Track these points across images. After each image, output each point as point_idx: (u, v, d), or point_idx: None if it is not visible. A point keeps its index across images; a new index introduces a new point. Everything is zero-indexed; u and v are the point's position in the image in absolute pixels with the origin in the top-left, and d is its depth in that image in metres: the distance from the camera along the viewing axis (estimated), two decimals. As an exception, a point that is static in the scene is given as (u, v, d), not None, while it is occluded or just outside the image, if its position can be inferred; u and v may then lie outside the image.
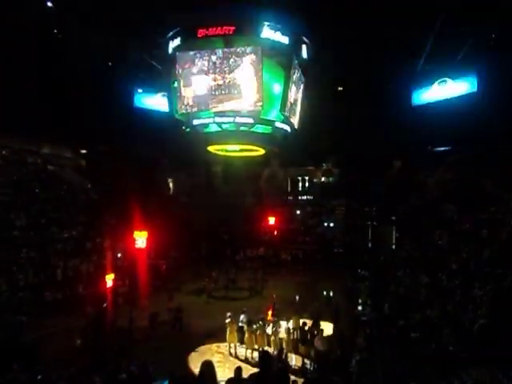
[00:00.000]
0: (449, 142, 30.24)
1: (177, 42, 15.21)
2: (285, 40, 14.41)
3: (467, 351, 9.92)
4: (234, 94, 14.39)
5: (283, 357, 11.79)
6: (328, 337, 13.91)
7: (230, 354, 14.09)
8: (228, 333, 14.21)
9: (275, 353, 12.48)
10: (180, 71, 15.23)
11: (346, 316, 16.65)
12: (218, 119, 14.98)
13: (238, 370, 6.25)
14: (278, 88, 14.67)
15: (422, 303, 13.96)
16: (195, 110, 15.17)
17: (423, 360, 10.40)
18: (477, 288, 12.67)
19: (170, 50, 15.55)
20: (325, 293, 21.07)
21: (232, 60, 14.30)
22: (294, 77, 15.03)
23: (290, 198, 40.84)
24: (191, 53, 14.75)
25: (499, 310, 10.94)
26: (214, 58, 14.46)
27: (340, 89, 35.71)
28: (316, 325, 14.39)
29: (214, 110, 14.81)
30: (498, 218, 20.83)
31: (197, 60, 14.71)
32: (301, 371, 12.46)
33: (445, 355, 10.35)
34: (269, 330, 14.13)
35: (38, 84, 27.04)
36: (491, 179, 25.72)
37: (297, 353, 13.68)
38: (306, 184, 42.48)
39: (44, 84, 27.62)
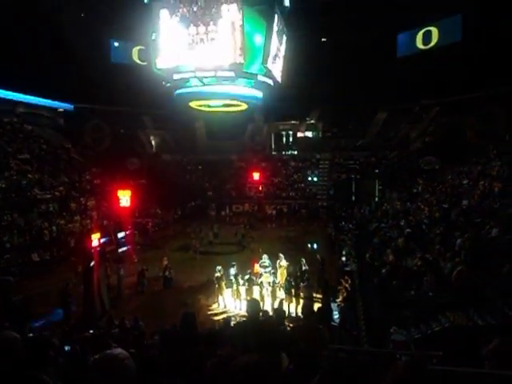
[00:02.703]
0: (433, 93, 30.10)
1: (154, -11, 14.40)
2: (266, -14, 13.77)
3: (445, 296, 10.38)
4: (215, 46, 13.89)
5: (282, 307, 12.22)
6: (313, 285, 14.41)
7: (219, 307, 14.50)
8: (217, 286, 14.57)
9: (274, 303, 13.26)
10: (158, 22, 14.55)
11: (330, 267, 17.14)
12: (198, 73, 14.53)
13: (226, 321, 6.45)
14: (259, 39, 14.19)
15: (403, 252, 14.39)
16: (175, 64, 14.66)
17: (403, 305, 10.88)
18: (456, 236, 13.08)
19: (147, -1, 14.77)
20: (309, 245, 21.54)
21: (213, 10, 13.68)
22: (276, 27, 14.49)
23: (275, 153, 40.70)
24: (170, 1, 14.04)
25: (476, 257, 11.38)
26: (194, 7, 13.80)
27: (324, 40, 34.87)
28: (302, 275, 14.85)
29: (194, 63, 14.34)
30: (479, 169, 21.24)
31: (176, 10, 14.03)
32: (288, 320, 12.93)
33: (424, 300, 10.83)
34: (257, 283, 14.52)
35: (11, 38, 25.78)
36: (474, 130, 25.92)
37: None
38: (290, 139, 42.23)
39: (18, 38, 26.33)
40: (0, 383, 2.18)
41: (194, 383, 3.16)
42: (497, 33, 23.46)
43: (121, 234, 22.14)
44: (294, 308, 13.67)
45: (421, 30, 28.98)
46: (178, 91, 16.01)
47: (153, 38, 14.95)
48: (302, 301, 13.26)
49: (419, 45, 29.43)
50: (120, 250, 20.68)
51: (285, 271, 15.34)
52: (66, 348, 5.14)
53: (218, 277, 14.56)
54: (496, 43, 23.40)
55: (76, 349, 4.95)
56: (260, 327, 3.90)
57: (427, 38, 28.90)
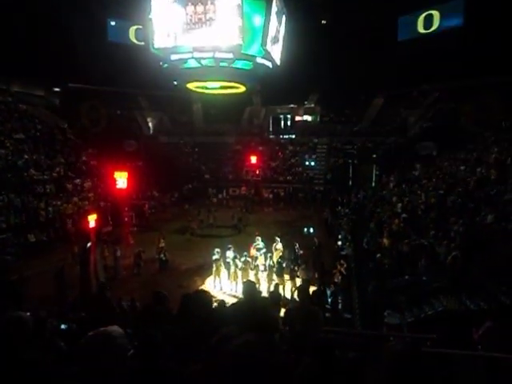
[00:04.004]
0: (432, 79, 29.85)
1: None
2: (266, -34, 13.49)
3: (439, 281, 10.50)
4: (213, 26, 13.67)
5: (277, 290, 12.39)
6: (310, 268, 14.56)
7: (215, 289, 14.62)
8: (215, 268, 14.66)
9: (269, 287, 13.35)
10: (156, 1, 14.28)
11: (326, 250, 17.24)
12: (196, 54, 14.31)
13: (221, 303, 6.48)
14: (258, 20, 13.95)
15: (398, 236, 14.48)
16: (173, 44, 14.44)
17: (397, 289, 10.99)
18: (452, 222, 13.15)
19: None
20: (305, 229, 21.63)
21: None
22: (276, 7, 14.26)
23: (272, 136, 40.52)
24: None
25: (471, 243, 11.46)
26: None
27: (324, 22, 34.41)
28: (295, 259, 15.02)
29: (192, 44, 14.12)
30: (475, 156, 21.23)
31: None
32: (283, 302, 13.05)
33: (418, 284, 10.94)
34: (253, 265, 14.64)
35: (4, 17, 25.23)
36: (471, 118, 25.82)
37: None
38: (288, 122, 42.02)
39: (12, 17, 25.78)
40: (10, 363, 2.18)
41: (191, 363, 3.19)
42: (499, 19, 23.17)
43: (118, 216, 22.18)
44: (289, 291, 13.81)
45: (422, 13, 28.57)
46: (175, 71, 15.81)
47: (150, 16, 14.68)
48: (296, 283, 13.40)
49: (420, 29, 29.06)
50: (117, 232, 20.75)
51: (280, 254, 15.46)
52: (63, 326, 5.15)
53: (215, 259, 14.65)
54: (498, 30, 23.13)
55: (72, 327, 4.97)
56: (255, 309, 3.93)
57: (428, 21, 28.52)
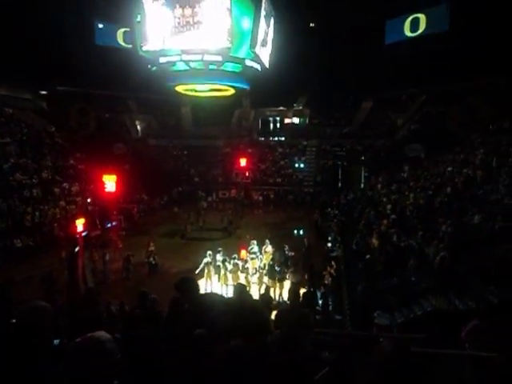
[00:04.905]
0: (419, 82, 30.15)
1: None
2: (254, -33, 13.50)
3: (428, 281, 10.59)
4: (201, 29, 13.64)
5: (268, 293, 12.43)
6: (299, 270, 14.59)
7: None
8: (206, 271, 14.61)
9: (260, 289, 13.44)
10: (142, 4, 14.20)
11: (316, 252, 17.28)
12: (185, 57, 14.27)
13: (211, 296, 6.44)
14: (247, 23, 13.96)
15: (387, 237, 14.57)
16: (161, 47, 14.37)
17: (387, 290, 11.06)
18: (440, 223, 13.29)
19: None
20: (295, 231, 21.66)
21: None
22: (264, 10, 14.28)
23: (262, 138, 40.55)
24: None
25: (459, 243, 11.58)
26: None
27: (312, 25, 34.58)
28: (285, 261, 15.03)
29: (180, 46, 14.07)
30: (462, 157, 21.52)
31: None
32: (274, 305, 13.05)
33: (407, 285, 11.02)
34: (243, 268, 14.61)
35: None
36: (457, 121, 26.13)
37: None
38: (278, 125, 42.09)
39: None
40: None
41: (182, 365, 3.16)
42: (484, 23, 23.50)
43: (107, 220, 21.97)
44: (279, 293, 13.81)
45: (409, 16, 28.85)
46: (164, 74, 15.74)
47: (138, 19, 14.59)
48: (286, 286, 13.40)
49: (407, 32, 29.32)
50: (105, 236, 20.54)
51: (270, 257, 15.45)
52: (55, 342, 5.04)
53: (207, 262, 14.61)
54: (482, 34, 23.46)
55: (64, 343, 4.86)
56: (245, 311, 3.92)
57: (415, 25, 28.80)
